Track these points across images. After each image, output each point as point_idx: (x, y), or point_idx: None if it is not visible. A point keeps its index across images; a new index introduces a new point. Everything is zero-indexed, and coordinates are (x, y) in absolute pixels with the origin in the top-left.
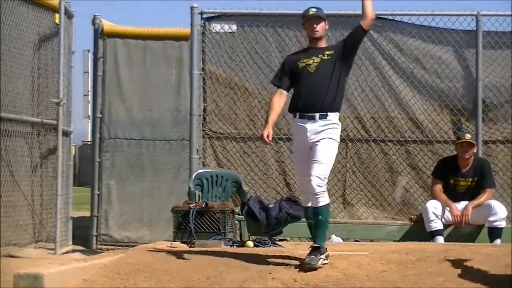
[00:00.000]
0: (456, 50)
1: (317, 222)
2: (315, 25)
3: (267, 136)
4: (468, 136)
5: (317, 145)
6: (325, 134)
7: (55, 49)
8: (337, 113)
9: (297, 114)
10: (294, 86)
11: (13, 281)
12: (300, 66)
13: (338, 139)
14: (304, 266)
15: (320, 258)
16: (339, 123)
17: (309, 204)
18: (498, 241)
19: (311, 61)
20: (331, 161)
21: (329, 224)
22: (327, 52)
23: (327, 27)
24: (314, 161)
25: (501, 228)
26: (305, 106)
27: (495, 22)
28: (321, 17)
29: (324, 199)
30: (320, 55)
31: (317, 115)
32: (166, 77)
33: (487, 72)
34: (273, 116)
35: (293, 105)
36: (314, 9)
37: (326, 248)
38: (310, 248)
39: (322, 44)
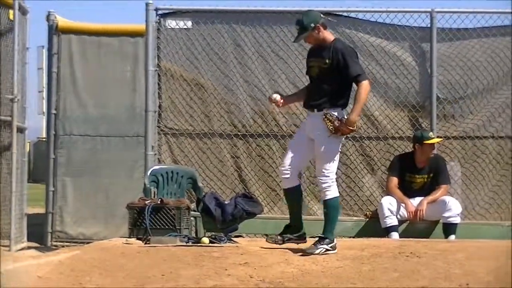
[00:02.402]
0: (411, 47)
1: (324, 214)
2: (306, 41)
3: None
4: (432, 134)
5: (316, 140)
6: (323, 130)
7: (9, 45)
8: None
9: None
10: None
11: None
12: (308, 65)
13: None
14: (304, 253)
15: (321, 248)
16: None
17: (286, 186)
18: (452, 236)
19: (315, 64)
20: (333, 155)
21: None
22: (327, 61)
23: (318, 30)
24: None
25: (456, 224)
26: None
27: (449, 19)
28: (302, 33)
29: (330, 193)
30: (320, 60)
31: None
32: (121, 73)
33: (441, 68)
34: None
35: None
36: (297, 27)
37: (334, 239)
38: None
39: (325, 43)
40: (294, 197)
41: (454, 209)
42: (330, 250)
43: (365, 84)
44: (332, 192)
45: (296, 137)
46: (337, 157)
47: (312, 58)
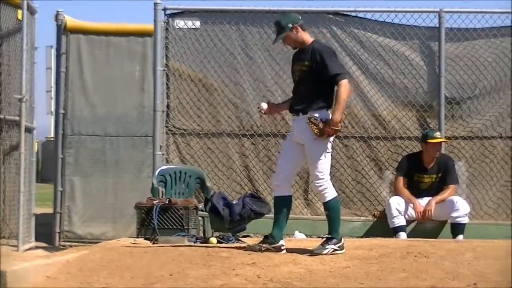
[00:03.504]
0: (419, 47)
1: (327, 216)
2: (284, 43)
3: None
4: (438, 134)
5: (305, 145)
6: (309, 133)
7: (18, 45)
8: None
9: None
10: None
11: None
12: (292, 71)
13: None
14: (311, 253)
15: (328, 248)
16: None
17: (276, 194)
18: (460, 236)
19: (297, 68)
20: (323, 157)
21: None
22: (306, 63)
23: (296, 31)
24: (308, 162)
25: (464, 224)
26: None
27: (458, 19)
28: (280, 33)
29: (328, 195)
30: (300, 63)
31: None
32: (130, 73)
33: (450, 68)
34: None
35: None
36: (275, 27)
37: (341, 239)
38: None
39: (304, 45)
40: (282, 206)
41: (462, 209)
42: (338, 250)
43: (344, 83)
44: (330, 193)
45: (285, 144)
46: (328, 158)
47: (294, 63)
